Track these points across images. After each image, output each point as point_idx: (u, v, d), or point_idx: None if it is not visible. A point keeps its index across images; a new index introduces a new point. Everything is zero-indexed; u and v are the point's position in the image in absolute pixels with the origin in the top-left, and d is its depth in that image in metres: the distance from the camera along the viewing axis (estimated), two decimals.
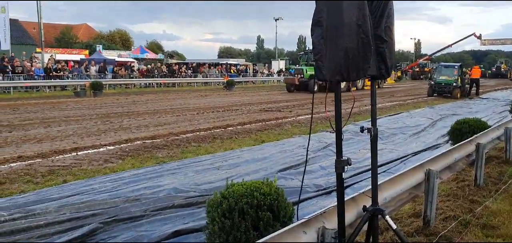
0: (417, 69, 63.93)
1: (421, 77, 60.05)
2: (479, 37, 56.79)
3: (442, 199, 5.81)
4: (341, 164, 2.84)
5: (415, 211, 5.28)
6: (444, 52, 71.93)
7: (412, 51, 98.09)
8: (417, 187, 4.61)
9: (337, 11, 2.63)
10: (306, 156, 3.23)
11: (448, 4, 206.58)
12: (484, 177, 6.52)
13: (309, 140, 3.24)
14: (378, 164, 7.95)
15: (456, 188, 6.28)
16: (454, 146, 6.29)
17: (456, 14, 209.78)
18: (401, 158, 8.74)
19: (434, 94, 25.95)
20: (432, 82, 26.94)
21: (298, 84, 30.31)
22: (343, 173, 2.92)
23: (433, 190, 4.53)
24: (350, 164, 2.85)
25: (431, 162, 5.03)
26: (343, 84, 25.31)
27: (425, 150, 9.51)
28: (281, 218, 3.34)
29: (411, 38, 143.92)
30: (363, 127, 3.30)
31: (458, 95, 24.91)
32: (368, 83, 29.72)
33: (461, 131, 8.22)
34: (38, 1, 30.41)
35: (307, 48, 32.85)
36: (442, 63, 32.25)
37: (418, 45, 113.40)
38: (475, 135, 6.97)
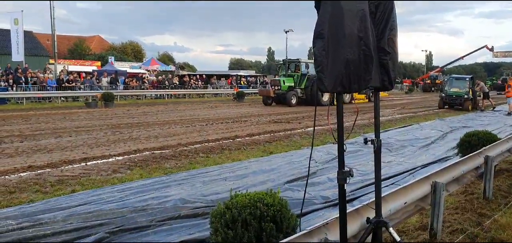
0: (428, 81, 63.58)
1: (433, 89, 59.71)
2: (491, 49, 56.46)
3: (450, 212, 5.76)
4: (343, 175, 2.84)
5: (422, 224, 5.23)
6: (456, 64, 71.71)
7: (424, 63, 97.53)
8: (424, 200, 4.58)
9: (338, 23, 2.66)
10: (309, 168, 3.23)
11: (459, 16, 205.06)
12: (493, 190, 6.45)
13: (311, 152, 3.25)
14: (387, 176, 8.06)
15: (464, 201, 6.22)
16: (461, 158, 6.23)
17: (468, 26, 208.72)
18: (409, 170, 8.67)
19: (445, 106, 25.75)
20: (443, 94, 26.74)
21: (273, 96, 28.16)
22: (348, 184, 2.92)
23: (440, 202, 4.50)
24: (352, 176, 2.85)
25: (437, 174, 4.99)
26: (326, 97, 24.63)
27: (434, 162, 9.42)
28: (284, 229, 3.34)
29: (422, 50, 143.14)
30: (366, 138, 3.30)
31: (470, 107, 24.67)
32: (357, 96, 29.45)
33: (470, 144, 8.14)
34: (51, 11, 30.90)
35: (286, 58, 31.18)
36: (453, 75, 32.03)
37: (429, 57, 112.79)
38: (484, 148, 6.89)
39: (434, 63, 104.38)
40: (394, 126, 15.75)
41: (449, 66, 68.87)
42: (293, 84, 28.41)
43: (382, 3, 3.06)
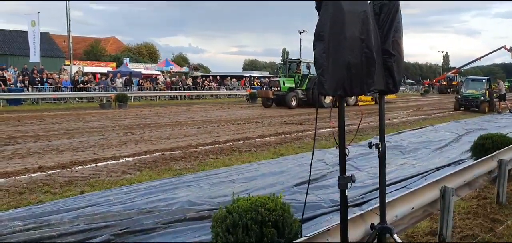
0: (444, 83, 62.78)
1: (449, 90, 58.95)
2: (510, 50, 55.46)
3: (461, 216, 5.63)
4: (344, 181, 2.78)
5: (432, 229, 5.12)
6: (473, 65, 70.57)
7: (440, 64, 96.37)
8: (432, 205, 4.47)
9: (339, 25, 2.59)
10: (310, 172, 3.17)
11: (476, 17, 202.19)
12: (507, 195, 6.29)
13: (312, 156, 3.19)
14: (398, 179, 7.94)
15: (477, 206, 6.07)
16: (474, 162, 6.09)
17: (485, 27, 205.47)
18: (422, 173, 8.52)
19: (461, 108, 25.37)
20: (459, 96, 26.35)
21: (273, 97, 26.99)
22: (359, 188, 2.85)
23: (449, 208, 4.39)
24: (353, 181, 2.78)
25: (448, 178, 4.88)
26: (328, 99, 24.17)
27: (447, 165, 9.26)
28: (286, 234, 3.29)
29: (438, 51, 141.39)
30: (371, 143, 3.23)
31: (486, 109, 24.24)
32: (364, 98, 28.83)
33: (484, 147, 7.97)
34: (67, 12, 31.28)
35: (287, 57, 29.72)
36: (470, 77, 31.53)
37: (446, 58, 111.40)
38: (498, 151, 6.73)
39: (451, 64, 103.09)
40: (407, 128, 15.54)
41: (466, 67, 67.80)
42: (293, 85, 27.40)
43: (386, 4, 2.99)
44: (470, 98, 25.22)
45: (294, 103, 26.33)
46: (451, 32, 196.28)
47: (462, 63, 69.87)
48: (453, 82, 60.20)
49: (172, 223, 5.35)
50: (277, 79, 28.41)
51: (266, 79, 50.14)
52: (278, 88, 26.73)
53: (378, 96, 3.37)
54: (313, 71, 27.04)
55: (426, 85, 66.53)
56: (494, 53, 60.20)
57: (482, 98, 24.75)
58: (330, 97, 25.98)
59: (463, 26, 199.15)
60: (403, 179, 7.98)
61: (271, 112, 22.70)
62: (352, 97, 25.61)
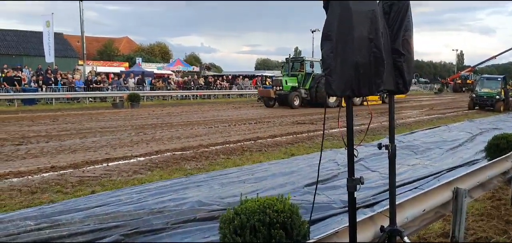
0: (459, 81, 62.03)
1: (463, 89, 58.24)
2: None
3: (474, 218, 5.54)
4: (353, 183, 2.73)
5: (445, 231, 5.04)
6: (489, 63, 69.63)
7: (455, 62, 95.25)
8: (445, 206, 4.39)
9: (347, 24, 2.55)
10: (318, 172, 3.12)
11: (491, 15, 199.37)
12: None
13: (320, 156, 3.15)
14: (410, 180, 7.84)
15: (491, 207, 5.96)
16: (488, 163, 5.98)
17: (500, 24, 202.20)
18: (434, 174, 8.41)
19: (476, 107, 25.05)
20: (474, 95, 26.00)
21: (274, 97, 26.21)
22: (370, 188, 2.81)
23: (462, 209, 4.31)
24: (362, 183, 2.74)
25: (461, 179, 4.79)
26: (333, 98, 23.79)
27: (461, 166, 9.12)
28: (294, 236, 3.25)
29: (452, 50, 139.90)
30: (381, 144, 3.18)
31: (502, 109, 23.89)
32: (370, 98, 28.27)
33: (499, 147, 7.83)
34: (81, 13, 31.57)
35: (289, 55, 28.19)
36: (485, 75, 31.10)
37: (460, 56, 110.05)
38: None
39: (466, 63, 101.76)
40: (420, 128, 15.37)
41: (481, 66, 66.94)
42: (296, 84, 26.52)
43: (396, 3, 2.94)
44: (485, 97, 24.88)
45: (296, 103, 25.67)
46: (465, 30, 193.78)
47: (477, 62, 68.96)
48: (468, 81, 59.46)
49: (181, 223, 5.34)
50: (279, 78, 27.63)
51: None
52: (280, 88, 25.94)
53: (386, 95, 3.32)
54: (316, 70, 26.66)
55: (443, 83, 65.81)
56: (510, 51, 59.26)
57: (497, 97, 24.40)
58: (335, 98, 25.83)
59: (478, 24, 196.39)
60: (415, 180, 7.89)
61: (282, 112, 22.62)
62: (358, 99, 24.18)
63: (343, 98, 2.72)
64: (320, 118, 19.24)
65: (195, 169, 8.31)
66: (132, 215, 5.48)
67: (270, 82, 44.69)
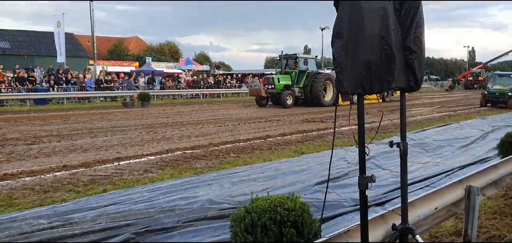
0: (470, 78, 61.44)
1: (475, 86, 57.65)
2: None
3: (487, 216, 5.48)
4: (364, 181, 2.72)
5: (457, 229, 5.00)
6: (501, 60, 68.90)
7: (466, 59, 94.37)
8: (457, 204, 4.36)
9: (357, 22, 2.54)
10: (329, 171, 3.12)
11: (504, 10, 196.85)
12: None
13: (331, 154, 3.14)
14: (422, 178, 7.78)
15: (504, 205, 5.90)
16: (500, 160, 5.92)
17: None
18: (446, 172, 8.34)
19: (488, 105, 24.78)
20: (485, 92, 25.72)
21: (265, 96, 25.04)
22: (381, 186, 2.80)
23: (474, 207, 4.27)
24: (374, 181, 2.73)
25: (473, 177, 4.75)
26: (328, 96, 23.21)
27: (473, 163, 9.03)
28: (305, 235, 3.25)
29: (464, 46, 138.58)
30: (392, 142, 3.16)
31: None
32: (370, 97, 27.68)
33: None
34: (91, 13, 31.81)
35: (281, 52, 26.73)
36: (497, 72, 30.78)
37: (472, 53, 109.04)
38: None
39: (477, 59, 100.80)
40: (432, 125, 15.25)
41: (493, 62, 66.21)
42: (289, 82, 25.22)
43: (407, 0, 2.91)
44: (497, 94, 24.60)
45: (289, 102, 24.41)
46: (477, 27, 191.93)
47: (488, 58, 68.27)
48: (479, 78, 58.89)
49: (192, 221, 5.36)
50: (271, 76, 26.31)
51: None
52: (273, 86, 24.68)
53: (386, 93, 3.29)
54: (311, 67, 25.96)
55: (454, 80, 65.23)
56: None
57: (509, 94, 24.10)
58: (331, 95, 25.45)
59: (490, 20, 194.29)
60: (426, 178, 7.83)
61: (292, 111, 22.55)
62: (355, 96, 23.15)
63: (340, 96, 2.70)
64: (330, 116, 19.17)
65: (205, 168, 8.33)
66: (143, 213, 5.51)
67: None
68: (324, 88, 25.71)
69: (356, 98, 2.69)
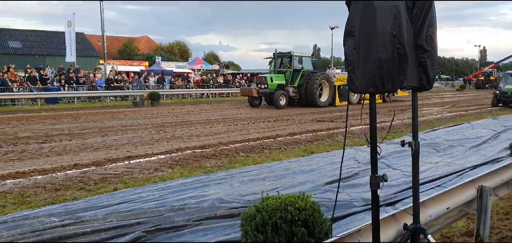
0: (481, 78, 60.88)
1: (486, 86, 57.12)
2: None
3: (499, 217, 5.44)
4: (376, 180, 2.71)
5: (469, 229, 4.97)
6: None
7: (477, 58, 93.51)
8: (469, 205, 4.32)
9: (370, 21, 2.52)
10: (340, 170, 3.10)
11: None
12: None
13: (343, 155, 3.13)
14: (432, 178, 7.72)
15: None
16: None
17: None
18: (457, 172, 8.26)
19: (499, 104, 24.52)
20: (497, 92, 25.45)
21: (257, 96, 23.99)
22: (392, 186, 2.78)
23: (487, 208, 4.23)
24: (385, 181, 2.71)
25: (485, 177, 4.70)
26: (324, 97, 22.51)
27: (484, 163, 8.94)
28: (316, 234, 3.24)
29: (475, 46, 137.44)
30: (404, 141, 3.13)
31: None
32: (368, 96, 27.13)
33: None
34: (101, 13, 32.01)
35: (275, 50, 25.25)
36: (508, 71, 30.43)
37: (483, 52, 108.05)
38: None
39: (489, 59, 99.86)
40: (443, 125, 15.13)
41: (504, 62, 65.55)
42: (283, 81, 24.29)
43: None
44: (509, 93, 24.33)
45: (282, 102, 23.47)
46: (488, 26, 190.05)
47: (500, 58, 67.58)
48: (491, 78, 58.30)
49: (202, 220, 5.37)
50: (264, 75, 25.18)
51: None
52: (265, 86, 23.63)
53: (386, 94, 3.26)
54: (306, 66, 25.07)
55: (465, 80, 64.70)
56: None
57: None
58: (327, 95, 25.02)
59: (501, 19, 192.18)
60: (438, 178, 7.76)
61: (301, 110, 22.49)
62: (355, 95, 19.82)
63: (338, 97, 2.68)
64: (340, 116, 19.11)
65: (215, 167, 8.35)
66: (153, 212, 5.53)
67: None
68: (320, 88, 24.97)
69: (355, 98, 2.68)
